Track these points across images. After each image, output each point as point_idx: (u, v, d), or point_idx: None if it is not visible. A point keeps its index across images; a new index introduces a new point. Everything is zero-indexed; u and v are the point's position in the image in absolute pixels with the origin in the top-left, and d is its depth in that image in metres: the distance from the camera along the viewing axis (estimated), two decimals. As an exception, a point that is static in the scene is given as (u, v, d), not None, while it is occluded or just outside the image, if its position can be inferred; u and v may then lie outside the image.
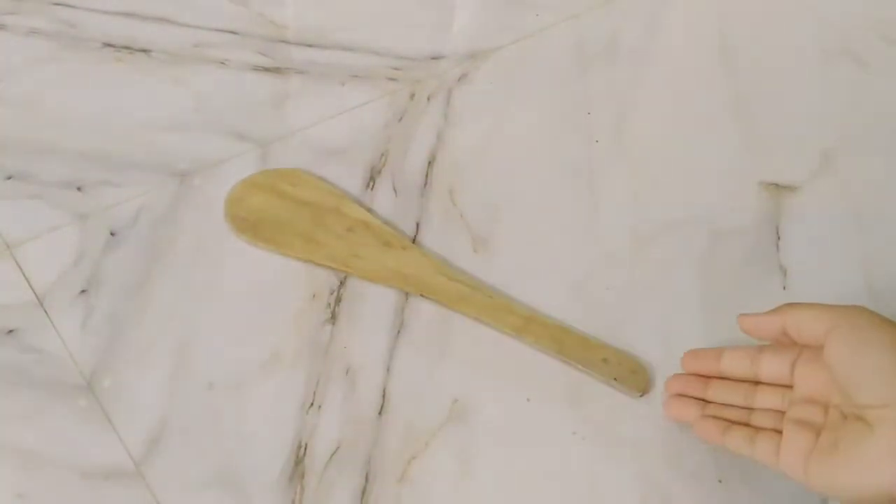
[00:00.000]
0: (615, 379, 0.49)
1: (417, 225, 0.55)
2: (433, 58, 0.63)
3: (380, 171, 0.57)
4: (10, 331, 0.47)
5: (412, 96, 0.61)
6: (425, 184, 0.57)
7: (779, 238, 0.57)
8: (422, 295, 0.51)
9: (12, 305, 0.48)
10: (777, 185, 0.59)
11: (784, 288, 0.55)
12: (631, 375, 0.50)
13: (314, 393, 0.47)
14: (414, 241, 0.54)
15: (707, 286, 0.54)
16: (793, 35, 0.66)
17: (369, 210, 0.54)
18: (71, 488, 0.43)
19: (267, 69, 0.61)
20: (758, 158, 0.61)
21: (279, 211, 0.53)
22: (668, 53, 0.64)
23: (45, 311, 0.48)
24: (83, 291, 0.49)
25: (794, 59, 0.65)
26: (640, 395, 0.49)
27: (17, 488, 0.42)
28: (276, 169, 0.55)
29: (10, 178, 0.53)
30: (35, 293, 0.48)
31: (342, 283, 0.52)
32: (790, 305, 0.44)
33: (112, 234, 0.51)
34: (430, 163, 0.58)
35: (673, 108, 0.62)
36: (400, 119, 0.59)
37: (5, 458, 0.43)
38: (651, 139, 0.61)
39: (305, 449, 0.45)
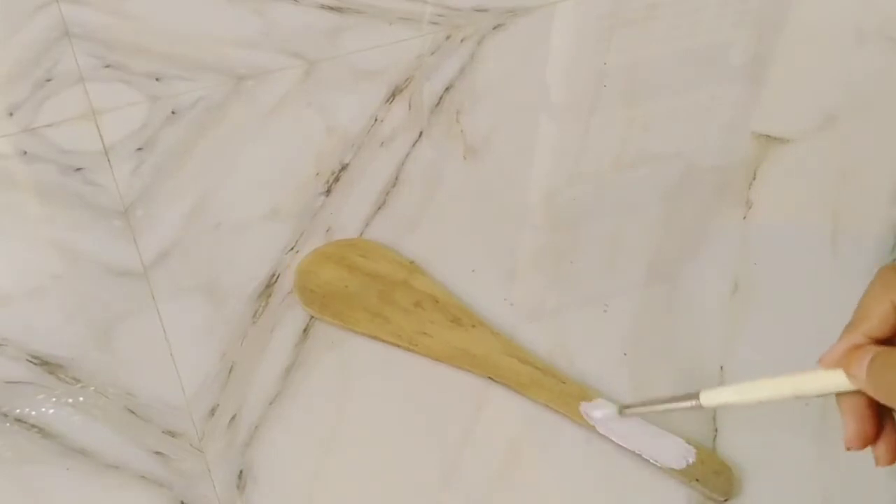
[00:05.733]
0: (697, 480, 0.48)
1: (420, 133, 0.66)
2: (477, 10, 0.75)
3: (401, 91, 0.69)
4: (79, 168, 0.63)
5: (448, 37, 0.73)
6: (437, 104, 0.68)
7: (754, 178, 0.64)
8: (490, 378, 0.52)
9: (86, 152, 0.64)
10: (769, 137, 0.66)
11: (744, 218, 0.61)
12: (714, 477, 0.48)
13: (296, 241, 0.59)
14: (414, 144, 0.66)
15: (669, 207, 0.62)
16: (830, 8, 0.73)
17: (438, 283, 0.56)
18: (93, 277, 0.58)
19: (332, 8, 0.75)
20: (759, 112, 0.68)
21: (348, 284, 0.55)
22: (696, 15, 0.73)
23: (108, 159, 0.63)
24: (139, 149, 0.64)
25: (826, 32, 0.72)
26: (725, 501, 0.48)
27: (54, 271, 0.58)
28: (347, 239, 0.58)
29: (108, 66, 0.70)
30: (104, 145, 0.64)
31: (343, 168, 0.64)
32: (854, 319, 0.38)
33: (173, 112, 0.67)
34: (447, 89, 0.70)
35: (684, 62, 0.71)
36: (432, 53, 0.72)
37: (53, 251, 0.59)
38: (657, 87, 0.70)
39: (277, 278, 0.58)
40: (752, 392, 0.41)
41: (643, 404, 0.47)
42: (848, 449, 0.39)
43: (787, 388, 0.40)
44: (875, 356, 0.37)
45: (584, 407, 0.51)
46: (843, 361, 0.38)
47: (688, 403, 0.43)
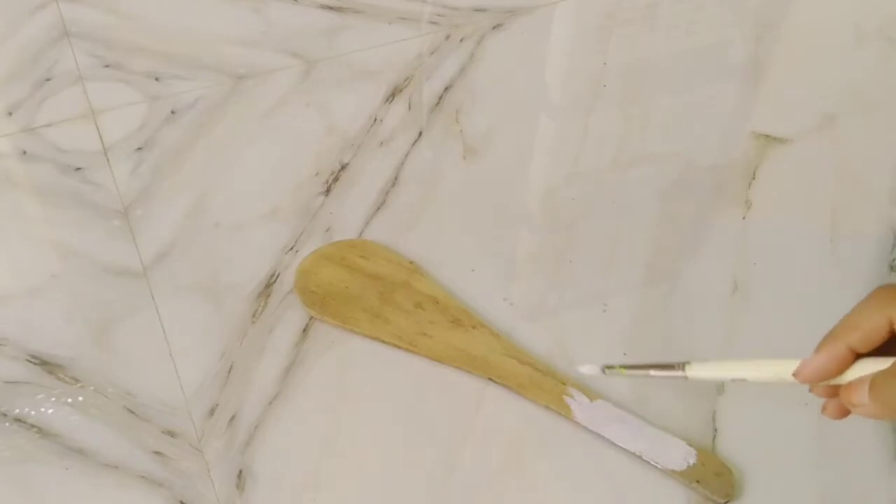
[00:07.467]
0: (697, 482, 0.48)
1: (420, 133, 0.66)
2: (476, 10, 0.74)
3: (401, 90, 0.69)
4: (78, 168, 0.63)
5: (447, 37, 0.73)
6: (437, 104, 0.68)
7: (753, 178, 0.64)
8: (490, 378, 0.52)
9: (85, 151, 0.64)
10: (768, 136, 0.66)
11: (743, 218, 0.61)
12: (715, 478, 0.48)
13: (296, 240, 0.59)
14: (413, 144, 0.65)
15: (669, 207, 0.62)
16: (829, 8, 0.73)
17: (439, 284, 0.56)
18: (92, 276, 0.57)
19: (331, 7, 0.75)
20: (758, 111, 0.68)
21: (348, 285, 0.55)
22: (695, 14, 0.73)
23: (107, 158, 0.63)
24: (139, 149, 0.64)
25: (825, 32, 0.72)
26: (725, 502, 0.48)
27: (53, 270, 0.57)
28: (348, 240, 0.58)
29: (107, 66, 0.69)
30: (103, 145, 0.64)
31: (343, 167, 0.64)
32: (839, 330, 0.38)
33: (172, 112, 0.66)
34: (446, 89, 0.69)
35: (683, 62, 0.70)
36: (432, 53, 0.71)
37: (51, 250, 0.59)
38: (657, 87, 0.69)
39: (277, 277, 0.57)
40: (736, 370, 0.41)
41: (629, 366, 0.46)
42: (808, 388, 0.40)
43: (771, 371, 0.40)
44: (873, 380, 0.37)
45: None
46: (828, 374, 0.38)
47: (675, 373, 0.43)
